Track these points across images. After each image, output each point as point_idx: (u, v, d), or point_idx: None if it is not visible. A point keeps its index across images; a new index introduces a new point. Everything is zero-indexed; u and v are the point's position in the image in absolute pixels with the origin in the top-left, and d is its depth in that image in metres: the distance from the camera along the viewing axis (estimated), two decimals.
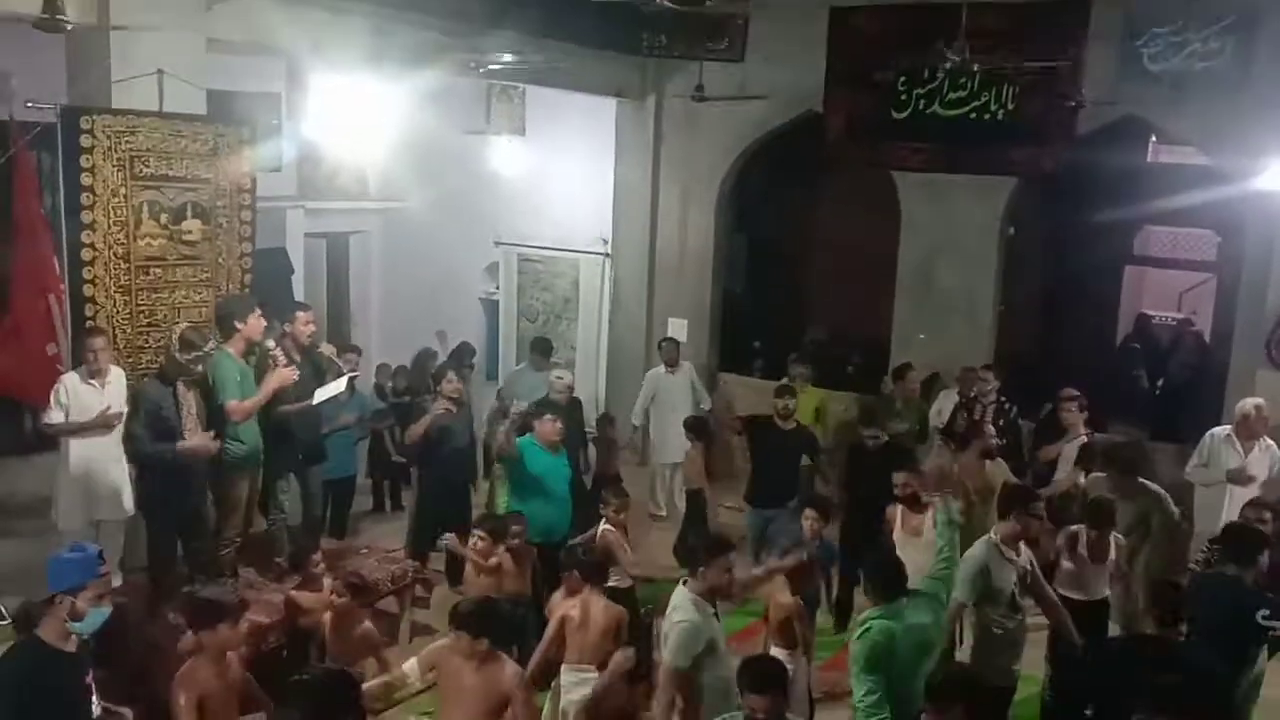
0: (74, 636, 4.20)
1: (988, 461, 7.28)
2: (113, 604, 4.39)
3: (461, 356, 10.45)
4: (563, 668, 5.58)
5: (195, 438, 6.44)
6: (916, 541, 6.31)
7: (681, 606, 4.76)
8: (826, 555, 6.60)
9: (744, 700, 4.00)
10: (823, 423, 9.13)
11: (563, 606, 5.72)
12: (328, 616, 5.80)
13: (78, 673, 4.23)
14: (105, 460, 6.67)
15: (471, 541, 6.31)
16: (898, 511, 6.66)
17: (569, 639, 5.56)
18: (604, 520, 6.50)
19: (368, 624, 5.82)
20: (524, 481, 7.11)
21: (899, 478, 6.64)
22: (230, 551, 6.93)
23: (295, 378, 7.04)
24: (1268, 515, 6.03)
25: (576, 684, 5.48)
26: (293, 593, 6.25)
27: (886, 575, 4.81)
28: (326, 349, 7.79)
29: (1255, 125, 8.10)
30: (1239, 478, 7.27)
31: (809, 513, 6.45)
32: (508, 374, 10.51)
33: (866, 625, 4.62)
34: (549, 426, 7.15)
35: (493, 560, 6.26)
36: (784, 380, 9.27)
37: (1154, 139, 11.92)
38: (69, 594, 4.13)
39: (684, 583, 4.87)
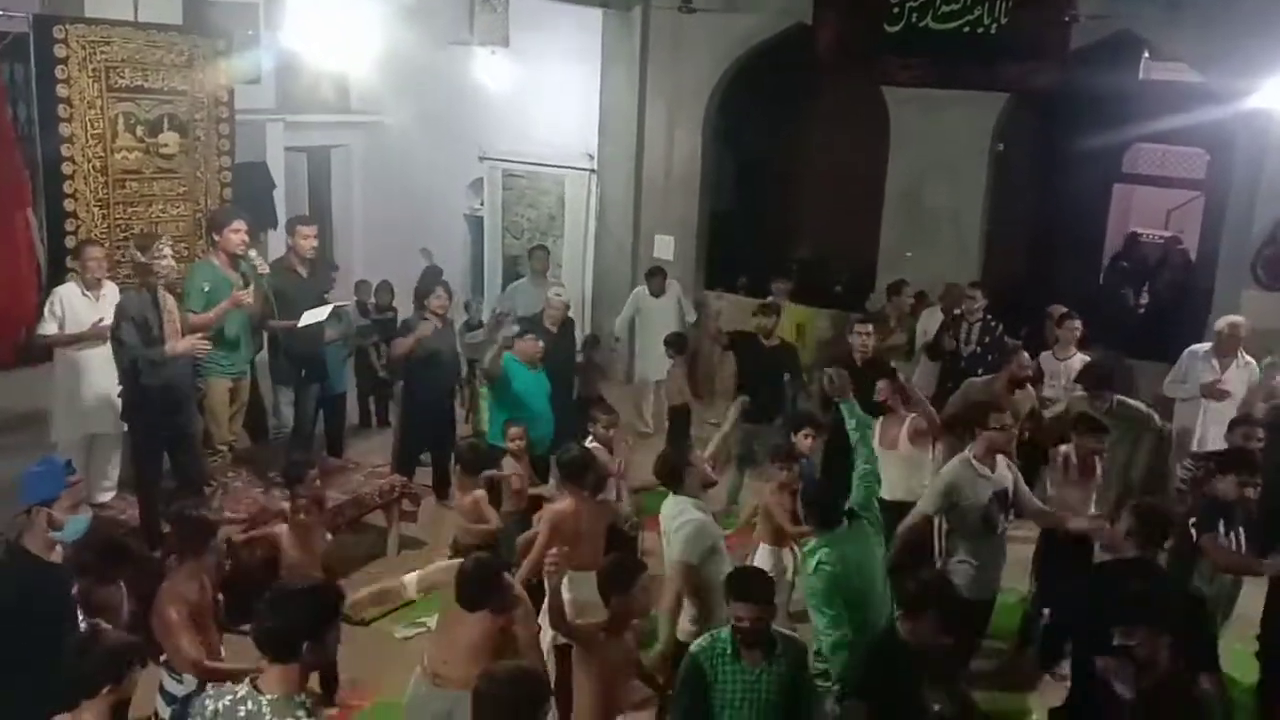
0: (58, 548, 4.28)
1: (1017, 389, 7.20)
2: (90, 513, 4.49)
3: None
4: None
5: (181, 341, 6.24)
6: (893, 454, 6.34)
7: (684, 510, 5.02)
8: (809, 472, 6.61)
9: (732, 608, 4.04)
10: (804, 340, 9.17)
11: (553, 511, 5.72)
12: (286, 532, 5.51)
13: (63, 583, 4.28)
14: (98, 374, 6.64)
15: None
16: (877, 424, 6.58)
17: (563, 543, 5.57)
18: (590, 438, 6.53)
19: (329, 537, 5.78)
20: (506, 399, 7.29)
21: (880, 386, 6.64)
22: (217, 460, 6.93)
23: (248, 301, 6.78)
24: (1260, 433, 6.12)
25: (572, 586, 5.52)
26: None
27: (823, 504, 4.83)
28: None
29: (1248, 42, 7.98)
30: (1212, 391, 7.39)
31: (806, 429, 6.51)
32: (508, 288, 10.43)
33: (816, 557, 4.62)
34: (529, 345, 7.37)
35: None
36: (768, 298, 9.29)
37: (1146, 56, 11.78)
38: (43, 505, 4.21)
39: (674, 492, 5.11)
